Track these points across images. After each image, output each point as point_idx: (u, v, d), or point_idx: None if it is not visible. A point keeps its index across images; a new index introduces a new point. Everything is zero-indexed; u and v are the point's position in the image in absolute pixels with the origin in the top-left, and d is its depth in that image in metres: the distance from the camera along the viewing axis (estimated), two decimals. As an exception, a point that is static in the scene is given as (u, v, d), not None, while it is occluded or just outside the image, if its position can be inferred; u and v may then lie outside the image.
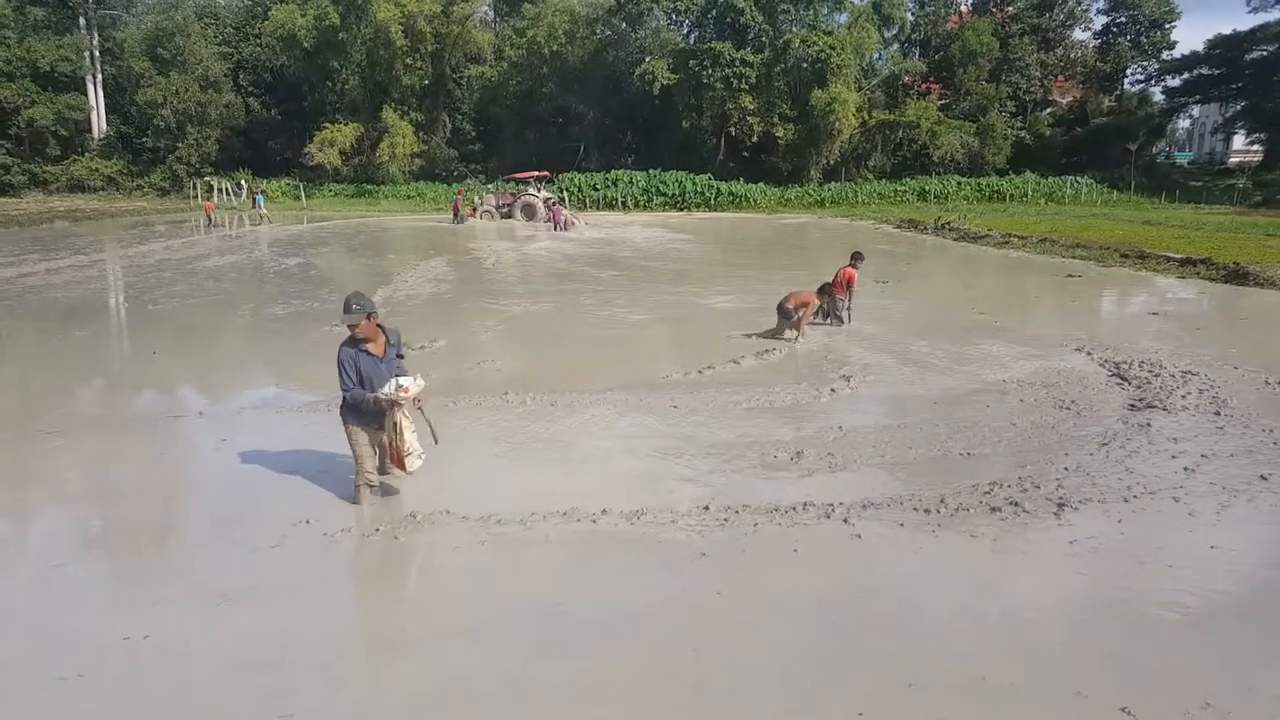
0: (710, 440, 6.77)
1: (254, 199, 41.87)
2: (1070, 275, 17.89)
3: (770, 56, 47.88)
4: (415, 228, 34.39)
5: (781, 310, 10.82)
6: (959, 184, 48.83)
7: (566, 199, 41.78)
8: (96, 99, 54.71)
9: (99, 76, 54.42)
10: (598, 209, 44.69)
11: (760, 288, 15.30)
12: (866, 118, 49.85)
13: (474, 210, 37.56)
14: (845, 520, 5.19)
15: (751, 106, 47.60)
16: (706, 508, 5.32)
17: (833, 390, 8.28)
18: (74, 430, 7.17)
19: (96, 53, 54.22)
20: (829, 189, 48.34)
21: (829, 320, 11.72)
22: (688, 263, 21.38)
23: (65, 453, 6.61)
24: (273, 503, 5.58)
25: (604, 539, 4.96)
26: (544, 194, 38.35)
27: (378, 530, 5.06)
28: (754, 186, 47.68)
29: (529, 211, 36.46)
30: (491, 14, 60.21)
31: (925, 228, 31.61)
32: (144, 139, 52.61)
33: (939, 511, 5.32)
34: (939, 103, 52.17)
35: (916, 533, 5.05)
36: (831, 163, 50.46)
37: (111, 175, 52.95)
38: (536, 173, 41.57)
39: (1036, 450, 6.53)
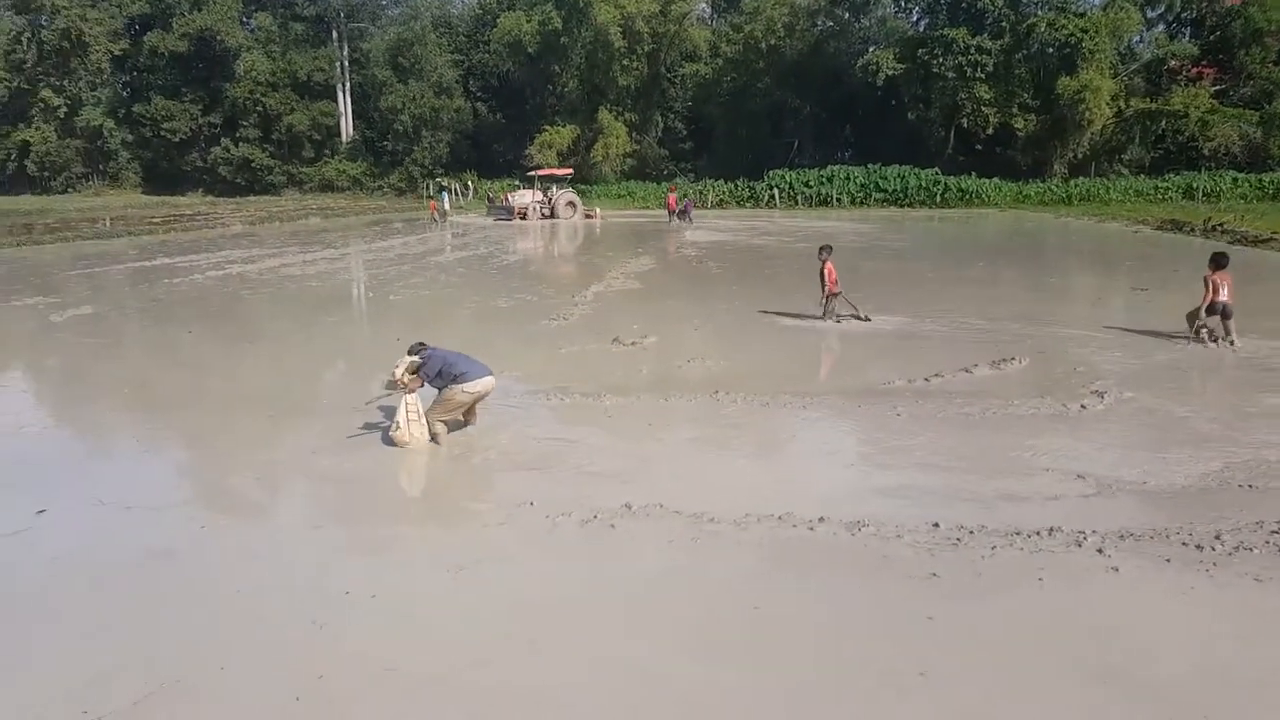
0: (939, 452, 6.32)
1: (443, 193, 41.99)
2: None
3: (1010, 42, 44.50)
4: (627, 224, 35.39)
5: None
6: (1235, 180, 42.57)
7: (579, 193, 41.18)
8: (345, 105, 61.05)
9: (347, 85, 60.75)
10: (810, 206, 43.66)
11: (986, 293, 14.23)
12: (1122, 107, 44.96)
13: (519, 211, 36.52)
14: (1099, 550, 4.62)
15: (987, 96, 44.42)
16: (936, 525, 4.94)
17: (1083, 406, 7.44)
18: (325, 411, 7.91)
19: (346, 63, 60.54)
20: (1076, 185, 43.89)
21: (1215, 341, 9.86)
22: (905, 261, 20.35)
23: (318, 432, 7.20)
24: (500, 483, 5.97)
25: (822, 548, 4.75)
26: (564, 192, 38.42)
27: (595, 517, 5.16)
28: (987, 182, 44.33)
29: (573, 208, 37.41)
30: (708, 10, 60.55)
31: (1192, 229, 27.89)
32: (384, 142, 57.74)
33: (1214, 549, 4.60)
34: (1212, 89, 46.08)
35: (1186, 571, 4.40)
36: (1079, 156, 46.10)
37: (356, 176, 58.62)
38: (563, 170, 42.06)
39: (1340, 486, 5.50)
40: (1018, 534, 4.82)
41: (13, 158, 61.55)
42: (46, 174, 61.12)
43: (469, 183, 51.68)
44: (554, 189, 38.51)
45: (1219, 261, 10.03)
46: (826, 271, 11.52)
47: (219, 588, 4.46)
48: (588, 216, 38.04)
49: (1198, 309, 9.88)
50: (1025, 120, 45.03)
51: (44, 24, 59.07)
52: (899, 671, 3.59)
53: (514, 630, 3.96)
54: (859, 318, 11.54)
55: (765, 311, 12.04)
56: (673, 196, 37.21)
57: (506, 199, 38.14)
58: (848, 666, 3.65)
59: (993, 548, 4.68)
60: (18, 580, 4.60)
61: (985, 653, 3.72)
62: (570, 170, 44.45)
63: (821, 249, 11.76)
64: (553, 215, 37.18)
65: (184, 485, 6.28)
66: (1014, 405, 7.47)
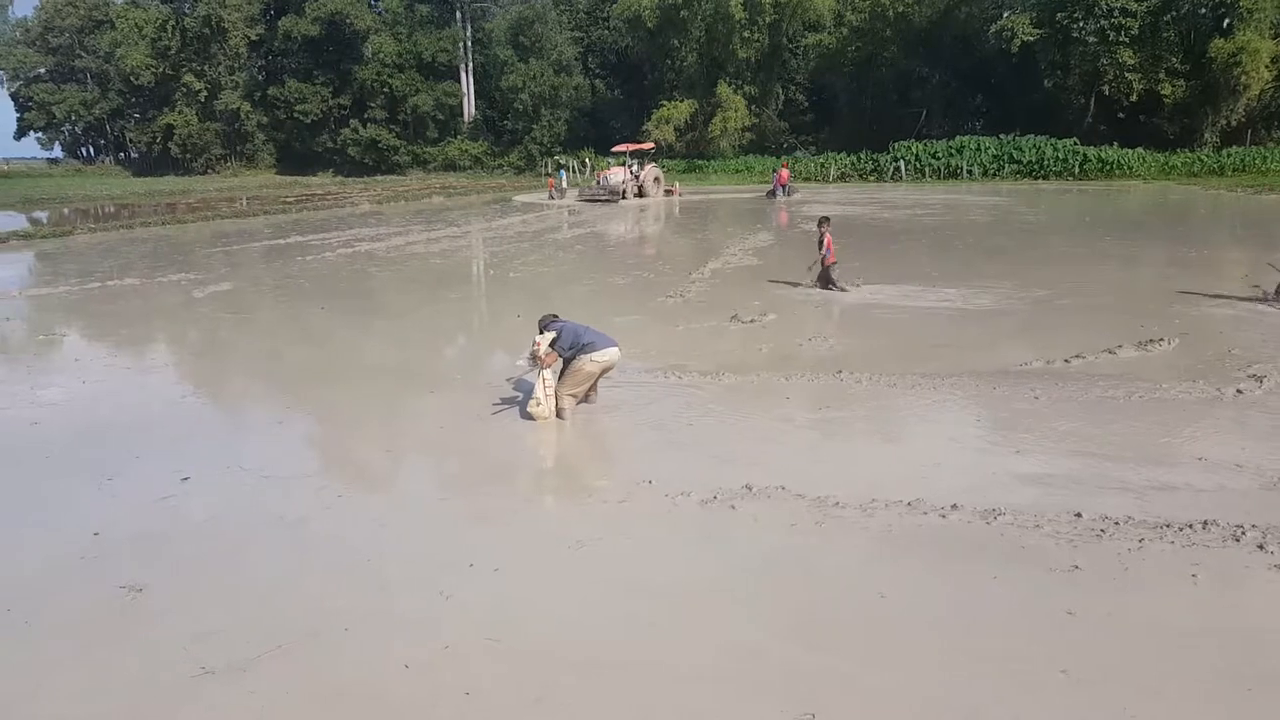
0: (1081, 438, 5.99)
1: (561, 172, 41.77)
2: None
3: (1158, 3, 41.21)
4: (739, 199, 34.84)
5: None
6: None
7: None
8: (467, 85, 62.25)
9: (470, 65, 61.83)
10: (939, 178, 41.88)
11: (1127, 269, 13.28)
12: (1284, 69, 41.03)
13: (619, 191, 34.06)
14: (1260, 546, 4.32)
15: (1131, 61, 41.36)
16: (1079, 515, 4.69)
17: (1239, 391, 6.92)
18: (452, 386, 8.02)
19: (469, 43, 61.59)
20: (1229, 155, 40.44)
21: None
22: (1038, 235, 19.26)
23: (446, 406, 7.32)
24: (619, 461, 6.03)
25: (955, 536, 4.57)
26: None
27: (715, 498, 5.11)
28: (1130, 152, 41.34)
29: (658, 184, 36.18)
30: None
31: (1365, 201, 25.36)
32: (505, 121, 58.61)
33: (1392, 550, 4.20)
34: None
35: (1364, 573, 4.03)
36: (1233, 124, 42.42)
37: (478, 155, 59.69)
38: (646, 144, 40.81)
39: None
40: (1168, 527, 4.54)
41: (157, 141, 66.13)
42: (188, 155, 65.35)
43: (586, 159, 51.93)
44: (636, 165, 36.91)
45: None
46: (826, 242, 11.96)
47: (349, 555, 4.59)
48: (667, 192, 36.89)
49: None
50: (1173, 86, 41.71)
51: (187, 11, 63.07)
52: (1036, 669, 3.43)
53: (630, 610, 3.96)
54: (843, 288, 12.04)
55: (889, 287, 11.64)
56: (785, 172, 36.10)
57: (601, 177, 36.77)
58: (979, 662, 3.49)
59: (1140, 540, 4.42)
60: (161, 544, 4.81)
61: (1130, 653, 3.52)
62: (653, 144, 43.17)
63: (821, 221, 12.37)
64: (641, 193, 35.57)
65: (318, 456, 6.47)
66: (1163, 389, 7.02)
